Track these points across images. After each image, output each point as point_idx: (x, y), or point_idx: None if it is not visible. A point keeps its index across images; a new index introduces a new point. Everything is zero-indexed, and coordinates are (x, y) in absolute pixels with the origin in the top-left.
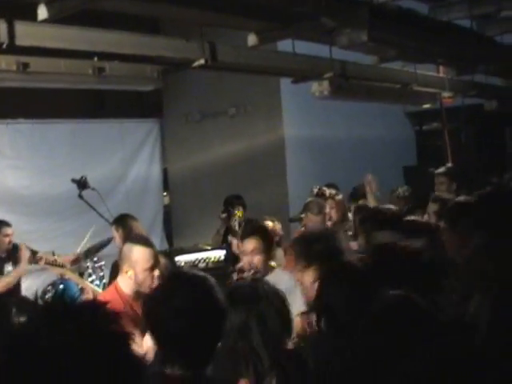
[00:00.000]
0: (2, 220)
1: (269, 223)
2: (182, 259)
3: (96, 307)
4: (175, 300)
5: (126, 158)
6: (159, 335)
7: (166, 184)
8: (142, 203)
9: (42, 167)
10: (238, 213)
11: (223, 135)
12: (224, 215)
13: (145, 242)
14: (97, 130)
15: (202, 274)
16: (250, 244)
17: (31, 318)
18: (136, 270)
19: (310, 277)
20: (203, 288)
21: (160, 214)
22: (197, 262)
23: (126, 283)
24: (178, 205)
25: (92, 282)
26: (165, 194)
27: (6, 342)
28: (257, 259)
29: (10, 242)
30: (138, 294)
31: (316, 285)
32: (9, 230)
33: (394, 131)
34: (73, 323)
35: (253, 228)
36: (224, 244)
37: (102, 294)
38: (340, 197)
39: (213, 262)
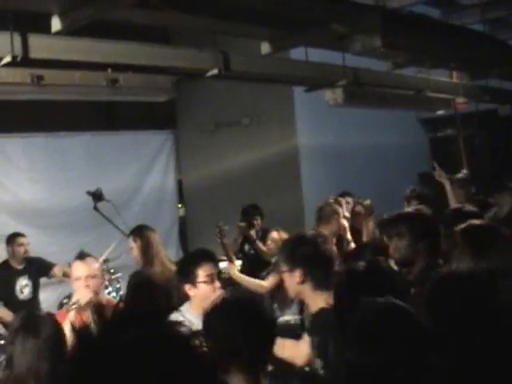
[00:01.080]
0: (16, 232)
1: (274, 234)
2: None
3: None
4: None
5: (141, 170)
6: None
7: (180, 195)
8: (158, 214)
9: (58, 180)
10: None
11: (237, 145)
12: (243, 224)
13: (81, 255)
14: (111, 142)
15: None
16: None
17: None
18: (73, 282)
19: (294, 279)
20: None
21: (176, 225)
22: None
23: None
24: (193, 215)
25: (109, 293)
26: (180, 205)
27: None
28: None
29: (25, 252)
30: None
31: (300, 287)
32: (23, 240)
33: (408, 138)
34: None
35: None
36: (240, 253)
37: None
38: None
39: (228, 272)
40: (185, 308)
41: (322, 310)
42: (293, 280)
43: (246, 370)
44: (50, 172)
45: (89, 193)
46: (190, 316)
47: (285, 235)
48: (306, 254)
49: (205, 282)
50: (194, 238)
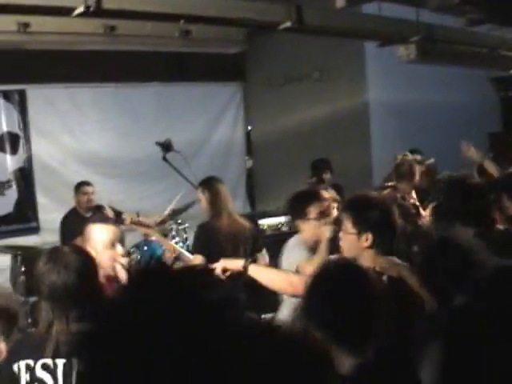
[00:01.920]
0: (82, 181)
1: (324, 193)
2: (265, 222)
3: (196, 273)
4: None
5: (210, 121)
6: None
7: (248, 147)
8: (226, 166)
9: (127, 130)
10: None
11: (307, 99)
12: (313, 179)
13: (103, 220)
14: (181, 93)
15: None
16: None
17: (130, 284)
18: (96, 250)
19: (361, 243)
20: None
21: (243, 178)
22: (280, 226)
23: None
24: (260, 168)
25: (176, 243)
26: (247, 157)
27: (105, 309)
28: None
29: (89, 201)
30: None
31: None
32: (88, 189)
33: (479, 97)
34: (173, 289)
35: None
36: None
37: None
38: (431, 161)
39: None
40: (295, 240)
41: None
42: (359, 243)
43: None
44: (119, 122)
45: (158, 143)
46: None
47: (333, 193)
48: (376, 218)
49: (315, 219)
50: (261, 190)
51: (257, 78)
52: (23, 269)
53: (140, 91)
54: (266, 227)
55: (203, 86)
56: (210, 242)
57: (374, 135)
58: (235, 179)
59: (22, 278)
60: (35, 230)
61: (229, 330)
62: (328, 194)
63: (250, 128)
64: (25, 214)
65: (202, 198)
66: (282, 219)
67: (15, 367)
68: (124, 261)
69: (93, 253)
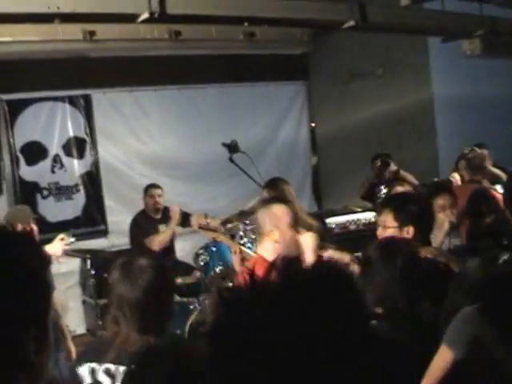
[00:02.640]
0: (151, 183)
1: (399, 188)
2: (332, 221)
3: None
4: None
5: (275, 121)
6: None
7: (313, 145)
8: (292, 165)
9: (191, 131)
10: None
11: (371, 96)
12: (378, 162)
13: (280, 201)
14: (244, 94)
15: None
16: None
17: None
18: (281, 228)
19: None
20: None
21: (309, 176)
22: (347, 224)
23: (268, 250)
24: (326, 166)
25: (243, 244)
26: (312, 155)
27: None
28: None
29: (156, 203)
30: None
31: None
32: (156, 191)
33: None
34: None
35: None
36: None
37: (249, 261)
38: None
39: (363, 223)
40: None
41: None
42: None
43: None
44: (183, 124)
45: (224, 144)
46: None
47: (408, 187)
48: (415, 212)
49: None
50: (326, 188)
51: (320, 76)
52: (93, 272)
53: (203, 93)
54: (333, 226)
55: (267, 86)
56: None
57: (439, 130)
58: (301, 178)
59: (92, 280)
60: (103, 233)
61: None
62: (403, 187)
63: (314, 126)
64: (93, 218)
65: None
66: (349, 217)
67: (81, 369)
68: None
69: (275, 234)
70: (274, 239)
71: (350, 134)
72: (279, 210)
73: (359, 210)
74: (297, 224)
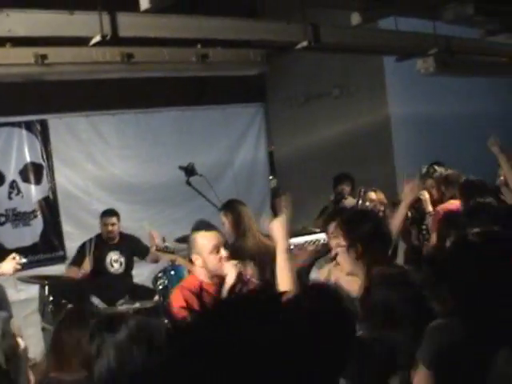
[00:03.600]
0: (106, 210)
1: (372, 194)
2: (291, 242)
3: (267, 294)
4: None
5: (232, 144)
6: None
7: (272, 167)
8: (250, 187)
9: (149, 156)
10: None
11: (328, 116)
12: (332, 197)
13: (205, 226)
14: (201, 117)
15: None
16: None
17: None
18: (203, 256)
19: (351, 255)
20: None
21: (268, 198)
22: (306, 245)
23: (199, 273)
24: (285, 187)
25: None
26: (271, 177)
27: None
28: None
29: (109, 232)
30: (213, 280)
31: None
32: (109, 220)
33: (503, 107)
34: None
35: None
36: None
37: (182, 282)
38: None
39: (322, 244)
40: None
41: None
42: (349, 256)
43: None
44: (141, 148)
45: (181, 167)
46: None
47: (381, 195)
48: (365, 231)
49: None
50: None
51: (277, 98)
52: (51, 298)
53: (160, 116)
54: (292, 247)
55: (224, 109)
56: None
57: (396, 149)
58: (260, 200)
59: (50, 307)
60: (62, 259)
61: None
62: (377, 195)
63: (272, 148)
64: (51, 244)
65: (226, 220)
66: (307, 238)
67: None
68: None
69: (198, 260)
70: (198, 265)
71: (308, 155)
72: (202, 238)
73: (318, 230)
74: (221, 248)
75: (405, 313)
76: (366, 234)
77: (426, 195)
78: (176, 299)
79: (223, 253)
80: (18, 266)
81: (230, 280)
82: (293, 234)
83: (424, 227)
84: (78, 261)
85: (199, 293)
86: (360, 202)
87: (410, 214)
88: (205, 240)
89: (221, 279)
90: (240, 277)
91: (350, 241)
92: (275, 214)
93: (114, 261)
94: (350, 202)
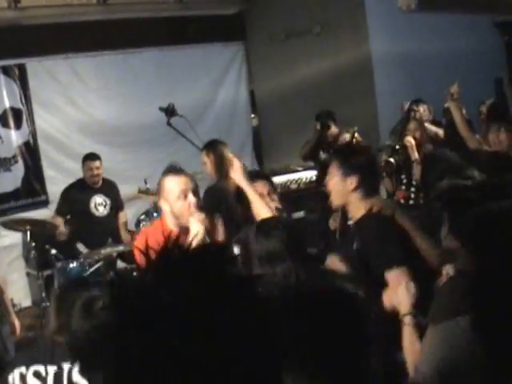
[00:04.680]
0: (88, 154)
1: (346, 136)
2: (273, 181)
3: (217, 251)
4: None
5: (213, 83)
6: None
7: (253, 106)
8: (232, 127)
9: (130, 97)
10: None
11: (309, 54)
12: (318, 126)
13: (172, 171)
14: (182, 57)
15: None
16: None
17: (145, 271)
18: (170, 201)
19: (346, 186)
20: None
21: (249, 137)
22: (289, 184)
23: (169, 220)
24: (266, 126)
25: None
26: (253, 115)
27: (122, 301)
28: None
29: (93, 176)
30: (181, 230)
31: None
32: (92, 164)
33: (484, 43)
34: (193, 271)
35: None
36: (313, 161)
37: (147, 228)
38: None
39: (304, 182)
40: None
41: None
42: (345, 186)
43: None
44: (121, 89)
45: (161, 109)
46: None
47: (359, 138)
48: (361, 162)
49: None
50: (268, 148)
51: (258, 36)
52: (34, 243)
53: (140, 57)
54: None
55: (204, 48)
56: (220, 204)
57: (378, 86)
58: (241, 140)
59: (33, 252)
60: (44, 204)
61: (256, 304)
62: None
63: (253, 86)
64: (33, 188)
65: (207, 161)
66: (290, 176)
67: (10, 378)
68: (198, 212)
69: (166, 205)
70: (165, 211)
71: (289, 93)
72: (169, 182)
73: (300, 168)
74: (190, 193)
75: None
76: (362, 165)
77: (411, 141)
78: (138, 242)
79: (191, 199)
80: None
81: (193, 233)
82: (276, 172)
83: (404, 177)
84: (63, 210)
85: (149, 247)
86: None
87: (393, 160)
88: (172, 184)
89: (186, 231)
90: (202, 234)
91: (345, 170)
92: (257, 153)
93: (99, 204)
94: (333, 131)
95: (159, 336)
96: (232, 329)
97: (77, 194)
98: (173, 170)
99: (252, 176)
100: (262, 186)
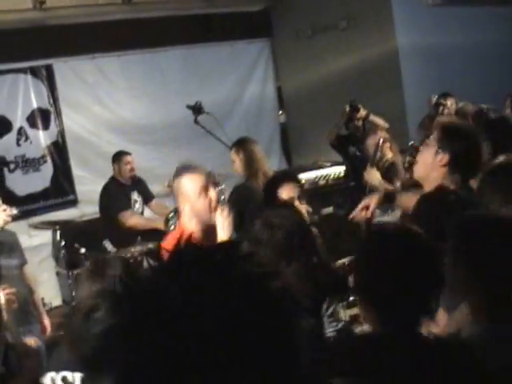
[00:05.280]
0: (122, 150)
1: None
2: (302, 177)
3: (229, 248)
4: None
5: (240, 80)
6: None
7: (280, 102)
8: (259, 124)
9: (157, 95)
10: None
11: (335, 49)
12: (348, 107)
13: (189, 170)
14: (207, 54)
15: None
16: None
17: (158, 268)
18: (191, 200)
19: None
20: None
21: (277, 134)
22: (317, 180)
23: (189, 222)
24: (294, 122)
25: None
26: (280, 112)
27: (132, 300)
28: None
29: (131, 170)
30: (205, 228)
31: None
32: (129, 158)
33: (510, 36)
34: (205, 268)
35: None
36: (343, 156)
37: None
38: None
39: (333, 178)
40: None
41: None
42: (435, 160)
43: None
44: (148, 88)
45: (188, 106)
46: None
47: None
48: (461, 145)
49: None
50: (296, 145)
51: (284, 32)
52: (63, 243)
53: (167, 55)
54: (303, 181)
55: (230, 45)
56: (248, 203)
57: (405, 81)
58: (269, 136)
59: (63, 252)
60: (73, 203)
61: (270, 303)
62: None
63: (280, 82)
64: (62, 188)
65: (236, 159)
66: (318, 173)
67: (44, 380)
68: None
69: (187, 207)
70: (186, 213)
71: (316, 89)
72: (186, 181)
73: (328, 164)
74: (210, 189)
75: None
76: (461, 147)
77: None
78: (166, 242)
79: (213, 194)
80: (8, 218)
81: (220, 231)
82: (304, 169)
83: None
84: (125, 205)
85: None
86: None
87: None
88: (190, 182)
89: (211, 229)
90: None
91: (442, 145)
92: (285, 150)
93: (134, 201)
94: (362, 113)
95: (171, 334)
96: (244, 325)
97: (113, 193)
98: (187, 168)
99: (279, 179)
100: (290, 190)
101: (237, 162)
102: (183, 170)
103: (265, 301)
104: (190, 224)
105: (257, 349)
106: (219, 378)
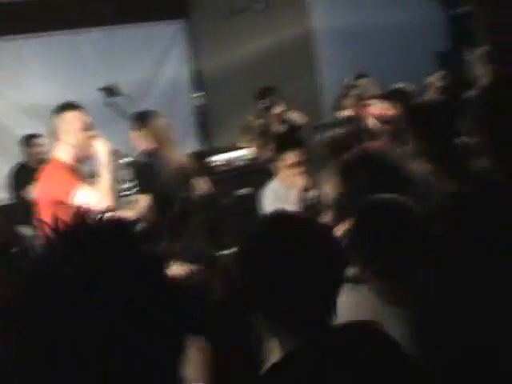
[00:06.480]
0: (32, 133)
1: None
2: (217, 158)
3: (124, 226)
4: None
5: (155, 62)
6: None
7: (200, 84)
8: (174, 106)
9: (71, 78)
10: None
11: (253, 31)
12: (262, 105)
13: (71, 106)
14: (124, 36)
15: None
16: None
17: (50, 246)
18: (72, 132)
19: None
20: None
21: (192, 116)
22: (233, 161)
23: (64, 153)
24: (214, 104)
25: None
26: (200, 94)
27: (24, 275)
28: None
29: (42, 153)
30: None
31: None
32: (40, 141)
33: (426, 15)
34: (99, 247)
35: None
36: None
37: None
38: None
39: (249, 159)
40: None
41: None
42: None
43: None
44: (63, 71)
45: (103, 88)
46: None
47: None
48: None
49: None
50: (215, 127)
51: (201, 14)
52: None
53: (82, 38)
54: (218, 163)
55: (146, 27)
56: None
57: (320, 62)
58: (184, 118)
59: None
60: None
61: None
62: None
63: (199, 64)
64: None
65: (139, 134)
66: (234, 154)
67: None
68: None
69: (71, 137)
70: (68, 143)
71: (235, 71)
72: (71, 116)
73: (244, 145)
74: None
75: None
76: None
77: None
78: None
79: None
80: None
81: (101, 158)
82: (220, 150)
83: None
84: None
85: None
86: None
87: None
88: (74, 117)
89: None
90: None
91: None
92: (204, 132)
93: None
94: (278, 109)
95: (58, 312)
96: (131, 307)
97: (23, 177)
98: (71, 105)
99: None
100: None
101: (138, 139)
102: (65, 106)
103: (157, 286)
104: (65, 157)
105: (149, 333)
106: (103, 358)
